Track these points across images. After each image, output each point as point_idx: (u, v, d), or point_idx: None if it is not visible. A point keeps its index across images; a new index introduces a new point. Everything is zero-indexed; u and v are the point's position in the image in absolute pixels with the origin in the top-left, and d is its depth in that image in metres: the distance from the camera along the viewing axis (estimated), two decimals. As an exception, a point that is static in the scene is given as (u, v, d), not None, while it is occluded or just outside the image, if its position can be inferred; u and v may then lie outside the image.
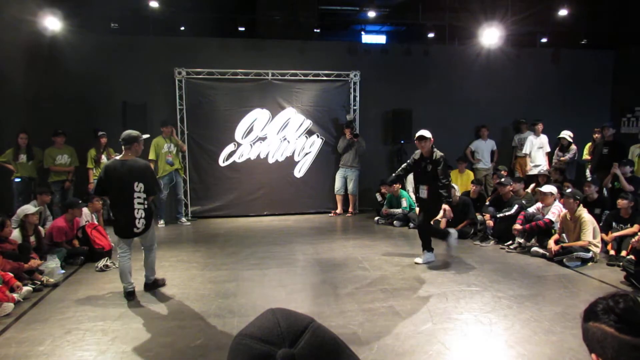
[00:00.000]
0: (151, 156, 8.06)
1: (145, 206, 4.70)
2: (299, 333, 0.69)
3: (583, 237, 5.73)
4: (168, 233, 7.70)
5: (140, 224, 4.66)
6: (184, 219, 8.65)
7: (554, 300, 4.60)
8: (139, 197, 4.63)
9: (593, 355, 1.15)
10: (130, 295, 4.74)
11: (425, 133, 5.58)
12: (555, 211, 6.37)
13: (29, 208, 5.71)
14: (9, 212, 6.51)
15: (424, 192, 5.74)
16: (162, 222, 8.34)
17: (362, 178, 9.31)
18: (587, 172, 8.23)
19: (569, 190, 6.25)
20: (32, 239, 5.62)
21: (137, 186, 4.62)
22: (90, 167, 7.98)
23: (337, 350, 0.72)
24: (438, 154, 5.61)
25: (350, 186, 9.18)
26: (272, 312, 0.73)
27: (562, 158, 8.40)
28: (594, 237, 5.79)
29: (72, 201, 6.53)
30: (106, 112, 8.50)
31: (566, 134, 8.49)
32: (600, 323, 1.13)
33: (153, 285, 5.01)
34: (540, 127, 9.04)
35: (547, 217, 6.36)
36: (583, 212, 5.88)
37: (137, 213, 4.64)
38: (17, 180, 7.67)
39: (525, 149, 9.17)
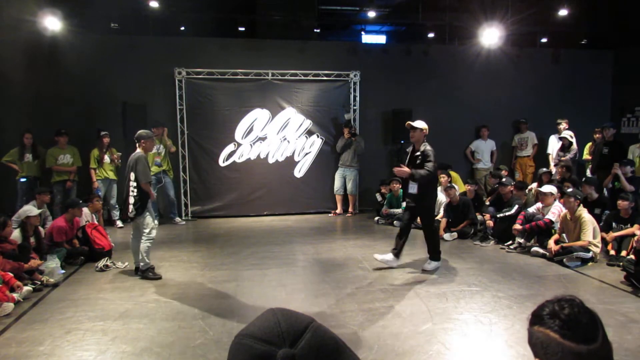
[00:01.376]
0: None
1: (136, 195, 5.17)
2: (300, 333, 0.69)
3: (583, 237, 5.73)
4: (167, 233, 7.69)
5: (131, 209, 5.20)
6: (178, 219, 8.62)
7: (554, 300, 4.59)
8: (132, 186, 5.18)
9: None
10: (137, 270, 5.43)
11: (416, 123, 5.51)
12: (555, 211, 6.38)
13: (32, 209, 5.71)
14: (11, 212, 6.50)
15: (414, 188, 5.48)
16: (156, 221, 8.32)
17: (362, 178, 9.31)
18: (588, 172, 8.24)
19: (569, 189, 6.25)
20: (32, 239, 5.62)
21: (131, 176, 5.19)
22: (93, 167, 7.95)
23: (337, 351, 0.72)
24: (427, 147, 5.42)
25: (349, 186, 9.17)
26: (272, 312, 0.73)
27: (563, 158, 8.41)
28: (594, 237, 5.78)
29: (73, 201, 6.54)
30: (106, 112, 8.49)
31: (567, 134, 8.49)
32: (545, 328, 1.09)
33: (142, 274, 5.33)
34: (562, 126, 9.16)
35: (547, 217, 6.36)
36: (583, 212, 5.88)
37: (131, 199, 5.18)
38: (23, 180, 7.66)
39: (549, 149, 9.38)
